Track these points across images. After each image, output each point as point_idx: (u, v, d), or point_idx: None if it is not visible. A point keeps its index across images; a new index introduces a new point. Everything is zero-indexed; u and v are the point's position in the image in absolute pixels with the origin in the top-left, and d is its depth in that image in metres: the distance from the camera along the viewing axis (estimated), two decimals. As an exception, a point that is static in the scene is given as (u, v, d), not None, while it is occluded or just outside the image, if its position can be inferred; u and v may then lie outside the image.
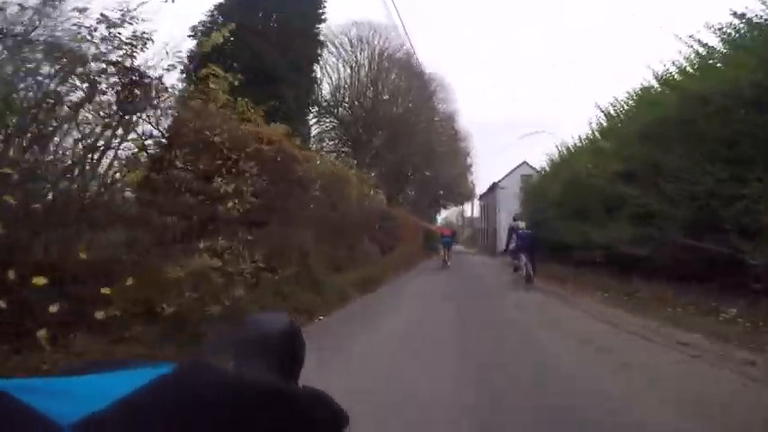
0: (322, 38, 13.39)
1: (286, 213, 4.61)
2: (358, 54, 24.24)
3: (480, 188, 31.82)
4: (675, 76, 6.16)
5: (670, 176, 5.47)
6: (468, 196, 31.25)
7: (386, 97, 24.22)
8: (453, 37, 67.19)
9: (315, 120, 24.47)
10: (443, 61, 70.63)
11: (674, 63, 6.08)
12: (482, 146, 70.16)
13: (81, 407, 0.24)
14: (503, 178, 26.23)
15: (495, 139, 69.31)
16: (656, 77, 6.66)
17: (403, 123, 23.16)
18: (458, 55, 67.52)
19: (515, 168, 26.36)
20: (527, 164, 26.11)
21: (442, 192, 29.60)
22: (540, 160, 18.17)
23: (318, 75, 24.16)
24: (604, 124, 8.53)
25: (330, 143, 24.14)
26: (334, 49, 24.45)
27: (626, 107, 7.69)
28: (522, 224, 9.78)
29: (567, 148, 11.58)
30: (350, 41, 24.38)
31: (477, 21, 69.69)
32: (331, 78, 24.18)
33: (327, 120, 24.50)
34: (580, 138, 10.74)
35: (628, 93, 7.54)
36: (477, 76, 71.94)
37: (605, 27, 55.92)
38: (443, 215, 49.72)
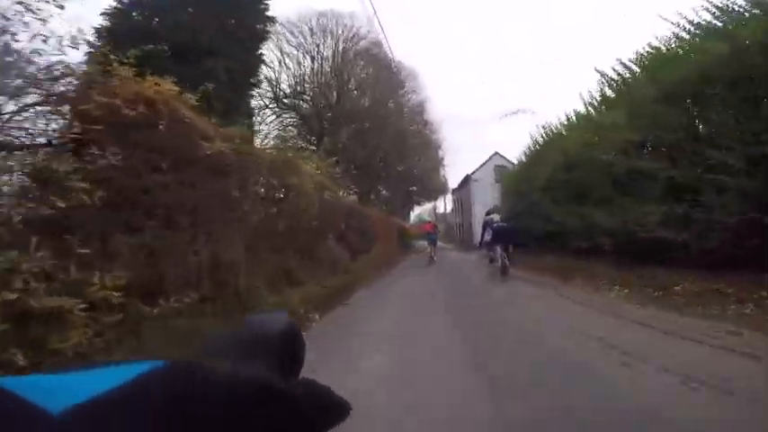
0: (271, 14, 11.57)
1: (184, 211, 2.92)
2: (321, 44, 22.51)
3: (453, 182, 30.89)
4: (723, 25, 4.87)
5: (719, 140, 4.23)
6: (442, 191, 30.15)
7: (353, 89, 22.62)
8: (441, 34, 66.23)
9: (274, 116, 22.53)
10: (431, 58, 69.78)
11: (722, 10, 4.82)
12: (469, 141, 69.55)
13: (72, 397, 0.24)
14: (476, 170, 25.30)
15: (482, 135, 69.45)
16: (691, 29, 5.33)
17: (372, 116, 21.61)
18: (446, 52, 66.89)
19: (488, 160, 25.50)
20: (499, 154, 25.36)
21: (414, 188, 28.30)
22: (515, 150, 16.87)
23: (276, 66, 22.36)
24: (608, 93, 7.24)
25: (292, 142, 22.26)
26: (293, 39, 22.63)
27: (640, 69, 6.38)
28: (496, 217, 9.62)
29: (558, 127, 10.41)
30: (311, 30, 22.61)
31: (464, 18, 69.09)
32: (290, 69, 22.30)
33: (287, 115, 22.57)
34: (572, 115, 9.57)
35: (640, 54, 6.28)
36: (464, 72, 71.47)
37: (593, 24, 56.69)
38: (416, 212, 48.78)
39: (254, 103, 21.23)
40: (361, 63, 22.86)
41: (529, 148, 12.25)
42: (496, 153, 25.30)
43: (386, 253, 16.23)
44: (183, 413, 0.26)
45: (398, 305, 6.10)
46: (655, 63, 5.85)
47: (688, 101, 5.10)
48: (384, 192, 27.14)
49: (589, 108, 8.36)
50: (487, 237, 9.47)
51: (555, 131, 10.52)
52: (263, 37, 11.49)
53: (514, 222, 12.67)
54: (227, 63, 8.94)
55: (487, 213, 10.38)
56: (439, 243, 17.69)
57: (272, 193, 4.83)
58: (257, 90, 22.02)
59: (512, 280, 8.39)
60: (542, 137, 11.43)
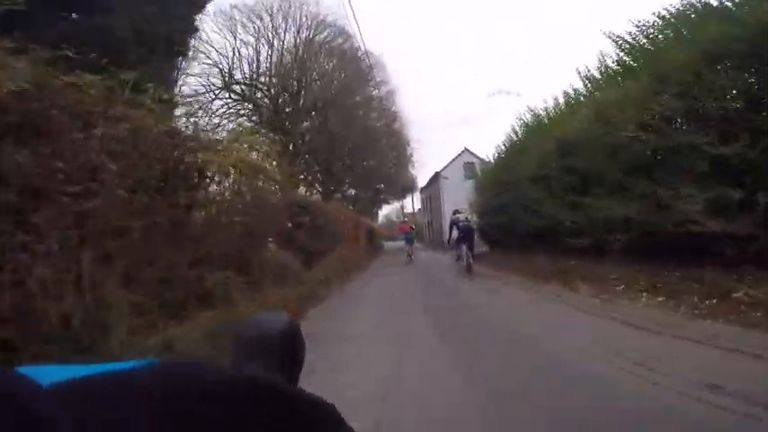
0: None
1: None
2: (281, 32, 20.51)
3: (422, 180, 29.76)
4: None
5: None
6: (411, 189, 28.95)
7: (315, 79, 20.76)
8: (435, 31, 64.72)
9: (225, 106, 20.17)
10: (423, 55, 68.32)
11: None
12: (441, 140, 69.15)
13: (62, 376, 0.25)
14: (444, 167, 24.26)
15: (454, 134, 69.19)
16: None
17: (337, 106, 19.89)
18: (439, 49, 65.71)
19: (457, 157, 24.56)
20: (468, 151, 24.49)
21: (382, 185, 26.89)
22: (488, 147, 15.74)
23: (230, 54, 20.12)
24: (627, 61, 5.91)
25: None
26: (251, 25, 20.46)
27: (669, 29, 5.05)
28: (461, 216, 9.87)
29: (549, 109, 9.20)
30: (271, 16, 20.55)
31: (458, 15, 67.78)
32: (246, 58, 20.14)
33: (240, 107, 20.33)
34: (566, 95, 8.37)
35: (670, 12, 5.00)
36: (458, 69, 70.44)
37: (588, 22, 57.30)
38: (384, 212, 47.36)
39: (197, 87, 18.91)
40: (326, 53, 21.10)
41: (512, 135, 11.09)
42: (465, 150, 24.40)
43: (354, 255, 14.64)
44: (179, 410, 0.26)
45: (367, 328, 4.51)
46: (693, 20, 4.65)
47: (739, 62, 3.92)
48: (351, 190, 25.53)
49: (588, 84, 7.21)
50: (454, 235, 9.75)
51: (546, 113, 9.34)
52: (199, 4, 9.59)
53: (491, 219, 11.58)
54: (136, 22, 6.98)
55: (454, 212, 10.55)
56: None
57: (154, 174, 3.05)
58: (207, 76, 19.79)
59: (506, 287, 7.11)
60: (528, 123, 10.28)
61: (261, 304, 3.86)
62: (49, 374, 0.25)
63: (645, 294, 4.65)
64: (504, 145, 11.60)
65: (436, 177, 24.90)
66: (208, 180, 4.01)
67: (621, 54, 6.02)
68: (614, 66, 6.29)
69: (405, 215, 42.88)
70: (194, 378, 0.28)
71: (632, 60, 5.81)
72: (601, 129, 5.71)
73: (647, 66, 5.24)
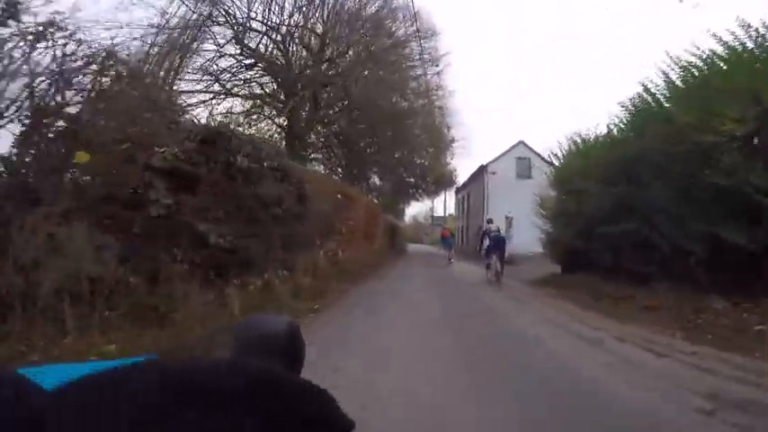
0: None
1: None
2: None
3: (462, 177, 25.55)
4: None
5: None
6: (447, 184, 24.86)
7: (344, 47, 17.10)
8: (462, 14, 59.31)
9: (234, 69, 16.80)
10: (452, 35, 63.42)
11: None
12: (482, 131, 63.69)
13: (65, 378, 0.26)
14: (492, 161, 20.03)
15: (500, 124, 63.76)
16: None
17: (364, 74, 16.28)
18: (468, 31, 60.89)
19: (509, 149, 20.21)
20: (524, 144, 20.13)
21: (413, 179, 23.05)
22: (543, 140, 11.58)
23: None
24: None
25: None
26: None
27: None
28: (493, 227, 10.05)
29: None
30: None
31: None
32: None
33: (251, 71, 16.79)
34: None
35: None
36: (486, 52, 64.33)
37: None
38: (411, 211, 43.08)
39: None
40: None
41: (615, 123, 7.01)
42: (521, 142, 20.07)
43: (363, 258, 11.08)
44: (178, 401, 0.26)
45: None
46: None
47: None
48: (375, 179, 21.91)
49: None
50: (485, 245, 9.90)
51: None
52: None
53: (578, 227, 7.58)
54: None
55: (487, 222, 10.77)
56: (430, 248, 18.51)
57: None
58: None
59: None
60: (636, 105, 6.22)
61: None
62: (49, 375, 0.26)
63: None
64: (615, 125, 7.37)
65: (480, 172, 20.70)
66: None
67: None
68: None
69: (434, 218, 38.88)
70: (192, 372, 0.29)
71: None
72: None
73: None
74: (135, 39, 9.58)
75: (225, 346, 0.41)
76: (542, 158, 19.08)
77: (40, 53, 3.35)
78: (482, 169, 20.02)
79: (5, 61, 3.20)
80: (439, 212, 38.28)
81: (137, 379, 0.26)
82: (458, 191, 29.32)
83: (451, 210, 33.35)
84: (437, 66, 17.53)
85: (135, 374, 0.27)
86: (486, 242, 9.71)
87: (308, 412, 0.31)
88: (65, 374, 0.26)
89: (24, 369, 0.26)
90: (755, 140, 4.53)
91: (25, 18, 3.34)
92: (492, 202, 18.37)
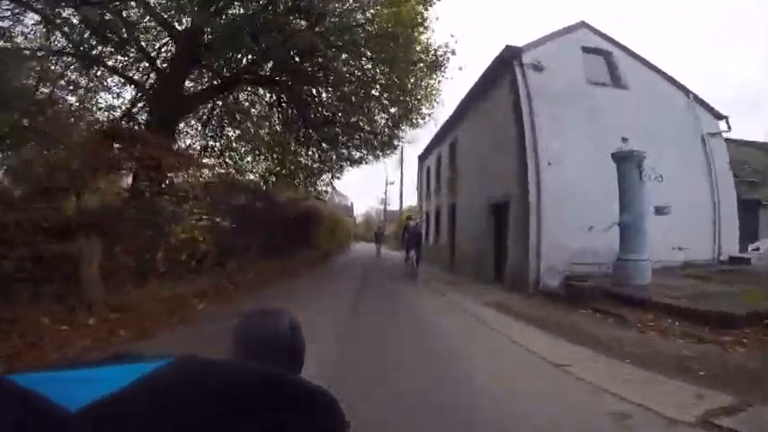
0: None
1: None
2: None
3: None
4: None
5: None
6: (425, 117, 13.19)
7: None
8: None
9: None
10: None
11: None
12: None
13: (87, 394, 0.26)
14: (533, 43, 8.69)
15: None
16: None
17: None
18: None
19: (562, 33, 9.09)
20: (589, 28, 9.32)
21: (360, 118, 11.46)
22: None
23: None
24: None
25: None
26: None
27: None
28: (412, 223, 10.41)
29: None
30: None
31: None
32: None
33: None
34: None
35: None
36: None
37: None
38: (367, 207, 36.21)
39: None
40: None
41: None
42: (583, 24, 9.16)
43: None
44: (192, 406, 0.27)
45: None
46: None
47: None
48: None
49: None
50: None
51: None
52: None
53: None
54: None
55: (408, 219, 11.50)
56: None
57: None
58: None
59: None
60: None
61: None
62: (66, 385, 0.26)
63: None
64: None
65: (500, 69, 9.19)
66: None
67: None
68: None
69: (386, 212, 34.52)
70: (202, 374, 0.30)
71: None
72: None
73: None
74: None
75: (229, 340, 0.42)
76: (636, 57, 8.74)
77: None
78: (506, 60, 8.46)
79: None
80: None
81: (163, 389, 0.27)
82: (425, 154, 18.16)
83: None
84: None
85: (160, 384, 0.28)
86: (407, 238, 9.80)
87: (314, 414, 0.32)
88: (84, 386, 0.26)
89: (27, 375, 0.26)
90: None
91: None
92: (545, 133, 7.16)
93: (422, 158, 19.02)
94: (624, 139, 5.71)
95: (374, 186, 64.15)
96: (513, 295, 6.58)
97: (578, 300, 5.24)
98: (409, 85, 9.71)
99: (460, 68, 9.37)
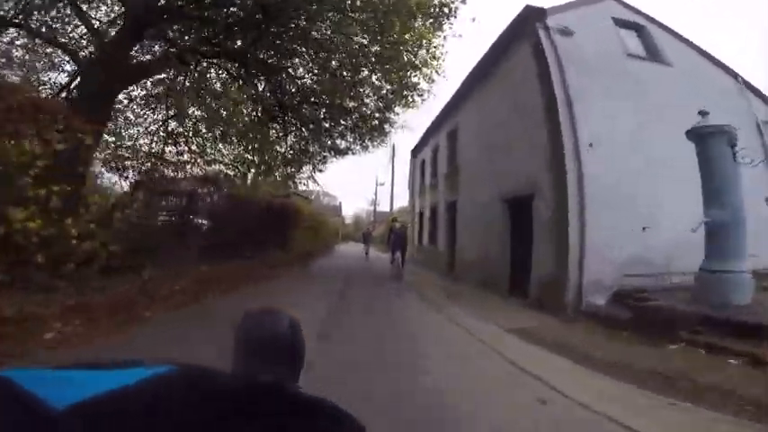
0: None
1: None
2: None
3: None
4: None
5: None
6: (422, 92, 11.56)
7: None
8: None
9: None
10: None
11: None
12: None
13: (77, 393, 0.25)
14: (554, 9, 7.14)
15: None
16: None
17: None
18: None
19: (587, 2, 7.57)
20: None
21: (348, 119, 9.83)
22: None
23: None
24: None
25: None
26: None
27: None
28: (397, 225, 10.53)
29: None
30: None
31: None
32: None
33: None
34: None
35: None
36: None
37: None
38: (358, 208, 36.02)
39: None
40: None
41: None
42: None
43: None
44: (191, 408, 0.26)
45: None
46: None
47: None
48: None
49: None
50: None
51: None
52: None
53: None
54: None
55: (393, 220, 12.07)
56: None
57: None
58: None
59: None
60: None
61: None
62: (55, 388, 0.24)
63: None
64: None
65: (517, 32, 7.67)
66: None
67: None
68: None
69: (376, 213, 34.04)
70: (204, 386, 0.29)
71: None
72: None
73: None
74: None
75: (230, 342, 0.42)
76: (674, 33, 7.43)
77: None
78: (526, 22, 6.85)
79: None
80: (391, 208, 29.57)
81: (159, 396, 0.26)
82: (419, 147, 16.56)
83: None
84: None
85: (158, 392, 0.26)
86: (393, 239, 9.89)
87: (315, 417, 0.31)
88: (75, 386, 0.24)
89: (18, 372, 0.25)
90: None
91: None
92: (582, 109, 5.58)
93: (415, 152, 17.45)
94: (703, 113, 4.20)
95: (365, 187, 62.51)
96: (545, 317, 5.00)
97: (652, 327, 3.70)
98: (405, 54, 8.06)
99: (473, 20, 7.69)
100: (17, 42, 8.33)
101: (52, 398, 0.23)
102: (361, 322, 4.67)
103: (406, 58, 8.21)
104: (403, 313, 5.41)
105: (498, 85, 7.91)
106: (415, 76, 8.52)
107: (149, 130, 10.35)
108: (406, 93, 9.09)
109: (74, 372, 0.27)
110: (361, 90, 9.29)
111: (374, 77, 8.84)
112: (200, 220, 6.72)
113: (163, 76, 9.09)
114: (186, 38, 8.59)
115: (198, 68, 9.50)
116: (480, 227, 8.14)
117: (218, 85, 10.40)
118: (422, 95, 9.11)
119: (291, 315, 0.43)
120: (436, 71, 8.58)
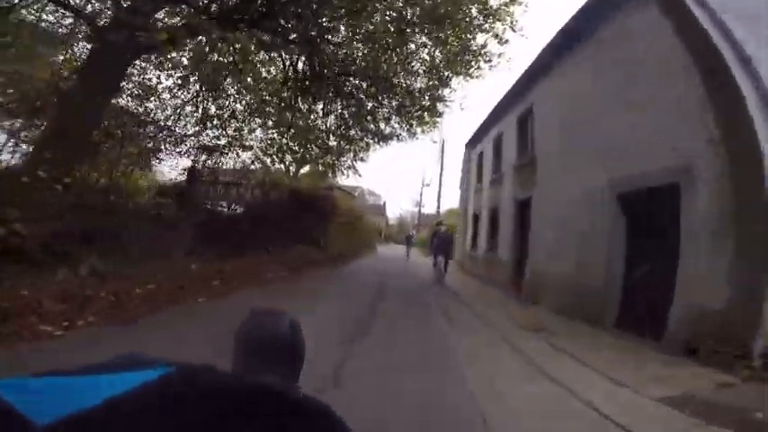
0: None
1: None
2: None
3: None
4: None
5: None
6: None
7: None
8: None
9: None
10: None
11: None
12: None
13: (62, 407, 0.23)
14: None
15: None
16: None
17: None
18: None
19: None
20: None
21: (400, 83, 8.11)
22: None
23: None
24: None
25: None
26: None
27: None
28: (442, 228, 10.23)
29: None
30: None
31: None
32: None
33: None
34: None
35: None
36: None
37: None
38: (402, 210, 37.10)
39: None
40: None
41: None
42: None
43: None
44: (190, 408, 0.25)
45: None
46: None
47: None
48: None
49: None
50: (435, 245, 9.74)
51: None
52: None
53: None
54: None
55: (437, 224, 11.54)
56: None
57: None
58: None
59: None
60: None
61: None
62: (40, 394, 0.23)
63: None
64: None
65: None
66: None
67: None
68: None
69: (420, 216, 32.81)
70: (203, 387, 0.28)
71: None
72: None
73: None
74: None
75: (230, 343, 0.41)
76: None
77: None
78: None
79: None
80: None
81: (145, 409, 0.24)
82: (476, 138, 14.40)
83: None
84: None
85: (150, 402, 0.25)
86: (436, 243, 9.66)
87: (315, 418, 0.31)
88: (60, 398, 0.22)
89: (11, 382, 0.22)
90: None
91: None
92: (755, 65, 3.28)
93: (470, 145, 15.30)
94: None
95: (410, 188, 60.64)
96: (707, 372, 2.88)
97: None
98: (466, 7, 6.13)
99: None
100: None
101: (34, 411, 0.21)
102: (392, 378, 2.88)
103: (467, 11, 6.31)
104: (456, 354, 3.55)
105: (601, 51, 5.72)
106: (484, 31, 6.56)
107: (182, 112, 9.37)
108: (467, 58, 7.16)
109: (58, 379, 0.25)
110: (407, 61, 7.53)
111: (424, 40, 7.00)
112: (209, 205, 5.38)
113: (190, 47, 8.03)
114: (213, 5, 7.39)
115: (225, 39, 8.36)
116: (567, 232, 6.00)
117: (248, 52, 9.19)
118: (490, 61, 7.12)
119: (292, 316, 0.41)
120: (512, 26, 6.55)
